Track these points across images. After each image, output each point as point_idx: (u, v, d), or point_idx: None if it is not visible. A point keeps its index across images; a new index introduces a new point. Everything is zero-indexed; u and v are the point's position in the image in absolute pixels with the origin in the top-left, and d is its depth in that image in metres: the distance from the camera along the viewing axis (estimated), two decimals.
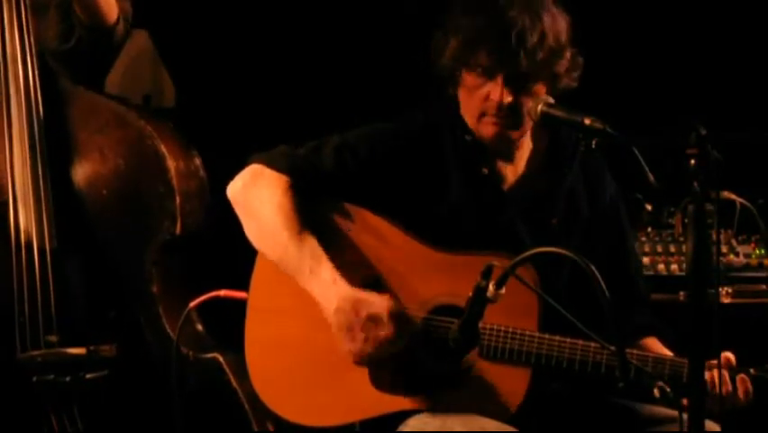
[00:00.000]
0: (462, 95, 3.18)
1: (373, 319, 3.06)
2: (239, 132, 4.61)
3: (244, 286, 3.27)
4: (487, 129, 3.15)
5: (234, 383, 3.35)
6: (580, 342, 3.01)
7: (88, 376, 3.58)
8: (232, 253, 3.31)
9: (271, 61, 4.73)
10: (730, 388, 2.95)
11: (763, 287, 4.07)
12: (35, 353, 3.57)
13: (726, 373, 2.92)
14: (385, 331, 3.06)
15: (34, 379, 3.59)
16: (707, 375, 2.87)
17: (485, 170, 3.23)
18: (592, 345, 3.00)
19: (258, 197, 3.20)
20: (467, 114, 3.19)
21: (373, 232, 3.19)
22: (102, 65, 3.91)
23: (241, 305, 3.28)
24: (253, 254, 3.25)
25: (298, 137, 3.30)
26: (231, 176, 3.29)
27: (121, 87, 4.46)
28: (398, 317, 3.07)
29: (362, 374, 3.12)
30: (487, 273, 2.77)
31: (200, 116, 4.58)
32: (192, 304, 3.40)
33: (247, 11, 4.69)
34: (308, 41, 4.71)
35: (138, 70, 4.74)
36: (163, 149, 3.67)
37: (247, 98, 4.74)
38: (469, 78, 3.13)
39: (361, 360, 3.08)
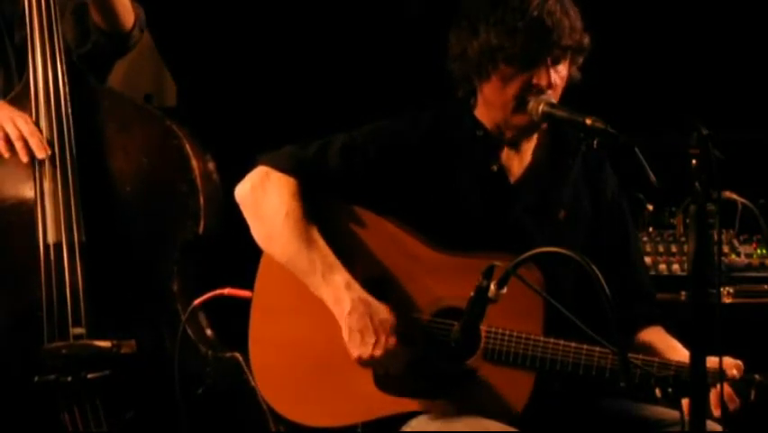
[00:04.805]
0: (492, 89, 3.16)
1: (384, 325, 3.07)
2: (241, 131, 4.61)
3: (248, 286, 3.27)
4: (524, 118, 3.15)
5: (253, 382, 3.37)
6: (585, 346, 3.01)
7: (90, 376, 3.59)
8: (235, 253, 3.31)
9: (274, 59, 4.73)
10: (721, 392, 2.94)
11: (765, 287, 4.07)
12: (61, 344, 3.59)
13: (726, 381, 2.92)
14: (393, 340, 3.07)
15: (36, 379, 3.60)
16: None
17: (494, 168, 3.23)
18: (597, 349, 3.00)
19: (266, 200, 3.20)
20: (496, 108, 3.17)
21: (382, 234, 3.19)
22: (107, 66, 3.94)
23: (243, 305, 3.28)
24: (257, 254, 3.25)
25: (302, 136, 3.30)
26: (234, 175, 3.30)
27: (122, 86, 4.47)
28: (407, 326, 3.10)
29: (366, 375, 3.13)
30: (488, 273, 2.77)
31: (202, 116, 4.58)
32: (197, 301, 3.42)
33: (248, 8, 4.69)
34: (311, 39, 4.71)
35: (139, 69, 4.75)
36: (188, 149, 3.70)
37: (249, 97, 4.74)
38: (507, 70, 3.11)
39: (368, 364, 3.09)
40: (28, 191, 3.68)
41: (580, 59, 3.20)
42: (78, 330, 3.61)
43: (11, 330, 3.68)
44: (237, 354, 3.61)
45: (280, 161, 3.22)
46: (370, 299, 3.11)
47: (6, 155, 3.64)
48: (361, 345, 3.08)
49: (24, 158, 3.63)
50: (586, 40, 3.17)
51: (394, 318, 3.09)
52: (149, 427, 3.64)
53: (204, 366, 3.62)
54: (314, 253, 3.15)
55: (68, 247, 3.62)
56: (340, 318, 3.11)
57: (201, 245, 3.71)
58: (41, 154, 3.62)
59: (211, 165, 3.77)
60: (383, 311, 3.10)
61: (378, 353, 3.07)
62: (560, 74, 3.13)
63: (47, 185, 3.64)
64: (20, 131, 3.62)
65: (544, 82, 3.10)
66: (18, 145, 3.62)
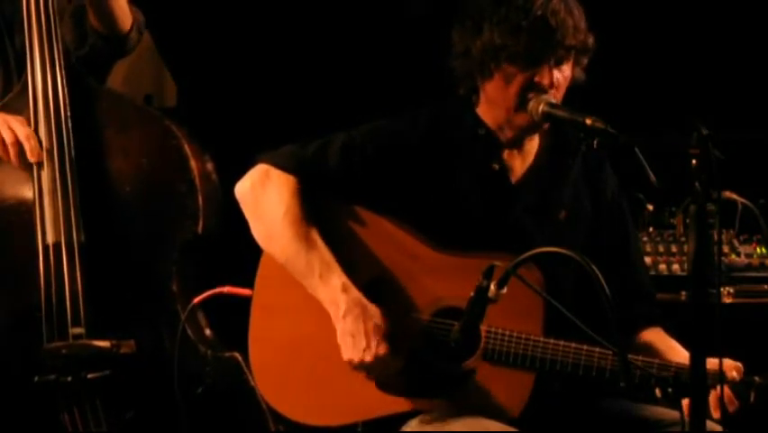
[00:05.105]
0: (494, 87, 3.16)
1: (377, 331, 3.07)
2: (241, 131, 4.61)
3: (248, 284, 3.27)
4: (525, 117, 3.15)
5: (253, 382, 3.37)
6: (585, 346, 3.00)
7: (90, 376, 3.59)
8: (235, 252, 3.31)
9: (274, 59, 4.73)
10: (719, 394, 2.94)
11: (765, 287, 4.07)
12: (60, 344, 3.59)
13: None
14: (384, 348, 3.07)
15: (36, 379, 3.60)
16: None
17: (495, 167, 3.23)
18: (597, 350, 3.00)
19: (266, 198, 3.20)
20: (499, 106, 3.17)
21: (381, 234, 3.19)
22: (105, 68, 3.95)
23: (243, 303, 3.28)
24: (257, 252, 3.25)
25: (302, 136, 3.30)
26: (234, 175, 3.30)
27: (123, 86, 4.47)
28: (402, 329, 3.10)
29: (366, 375, 3.12)
30: (488, 273, 2.77)
31: (202, 116, 4.58)
32: (196, 300, 3.42)
33: (248, 8, 4.69)
34: (311, 39, 4.71)
35: (139, 70, 4.75)
36: (187, 149, 3.70)
37: (250, 97, 4.74)
38: (510, 69, 3.11)
39: (358, 369, 3.09)
40: (27, 192, 3.68)
41: (584, 60, 3.20)
42: (78, 330, 3.61)
43: (11, 330, 3.68)
44: (236, 354, 3.61)
45: (280, 159, 3.22)
46: (366, 302, 3.10)
47: (6, 159, 3.64)
48: (352, 349, 3.08)
49: (17, 163, 3.62)
50: (590, 40, 3.17)
51: (386, 325, 3.09)
52: (148, 427, 3.64)
53: (203, 366, 3.62)
54: (312, 253, 3.15)
55: (67, 247, 3.62)
56: (335, 321, 3.11)
57: (200, 245, 3.71)
58: (33, 158, 3.62)
59: (210, 165, 3.76)
60: (377, 316, 3.09)
61: (367, 358, 3.07)
62: (563, 74, 3.13)
63: (46, 185, 3.64)
64: (15, 135, 3.62)
65: (546, 81, 3.10)
66: (12, 151, 3.62)
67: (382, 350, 3.07)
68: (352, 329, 3.08)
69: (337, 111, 4.26)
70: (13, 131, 3.62)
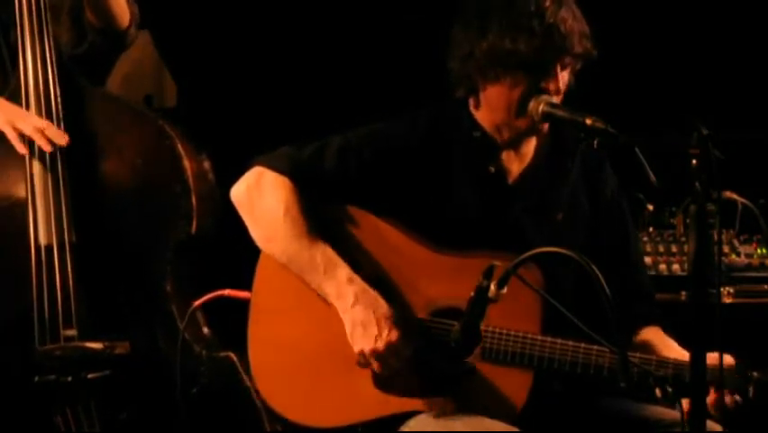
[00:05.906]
0: (498, 91, 3.14)
1: (388, 318, 3.07)
2: (242, 131, 4.61)
3: (246, 286, 3.27)
4: (525, 121, 3.15)
5: (247, 382, 3.37)
6: (582, 345, 3.01)
7: (90, 376, 3.58)
8: (233, 254, 3.31)
9: (274, 59, 4.73)
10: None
11: (765, 287, 4.07)
12: (53, 346, 3.59)
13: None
14: (396, 334, 3.07)
15: (36, 379, 3.59)
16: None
17: (492, 169, 3.23)
18: (594, 347, 3.00)
19: (263, 200, 3.20)
20: (500, 110, 3.16)
21: (376, 235, 3.19)
22: (105, 66, 3.94)
23: (242, 305, 3.28)
24: (255, 254, 3.25)
25: (301, 137, 3.30)
26: (233, 176, 3.29)
27: (122, 87, 4.47)
28: (406, 324, 3.10)
29: (365, 375, 3.12)
30: (489, 273, 2.77)
31: (202, 116, 4.59)
32: (196, 303, 3.41)
33: (248, 10, 4.69)
34: (311, 40, 4.72)
35: (139, 70, 4.75)
36: (180, 149, 3.69)
37: (249, 98, 4.74)
38: (517, 73, 3.10)
39: (369, 359, 3.08)
40: (21, 192, 3.67)
41: (579, 66, 3.20)
42: (70, 332, 3.60)
43: (7, 331, 3.68)
44: (231, 354, 3.61)
45: (276, 161, 3.22)
46: (373, 292, 3.11)
47: (26, 152, 3.62)
48: (363, 338, 3.08)
49: (48, 147, 3.59)
50: (592, 47, 3.17)
51: (394, 313, 3.09)
52: (143, 427, 3.63)
53: (198, 366, 3.62)
54: (314, 249, 3.15)
55: (60, 248, 3.61)
56: (343, 313, 3.11)
57: (195, 246, 3.70)
58: (62, 141, 3.60)
59: (206, 165, 3.76)
60: (385, 305, 3.10)
61: (380, 345, 3.07)
62: (564, 80, 3.14)
63: (38, 186, 3.63)
64: (34, 125, 3.60)
65: (553, 87, 3.11)
66: (37, 137, 3.59)
67: (394, 336, 3.07)
68: (363, 318, 3.08)
69: (336, 111, 4.27)
70: (30, 122, 3.59)
